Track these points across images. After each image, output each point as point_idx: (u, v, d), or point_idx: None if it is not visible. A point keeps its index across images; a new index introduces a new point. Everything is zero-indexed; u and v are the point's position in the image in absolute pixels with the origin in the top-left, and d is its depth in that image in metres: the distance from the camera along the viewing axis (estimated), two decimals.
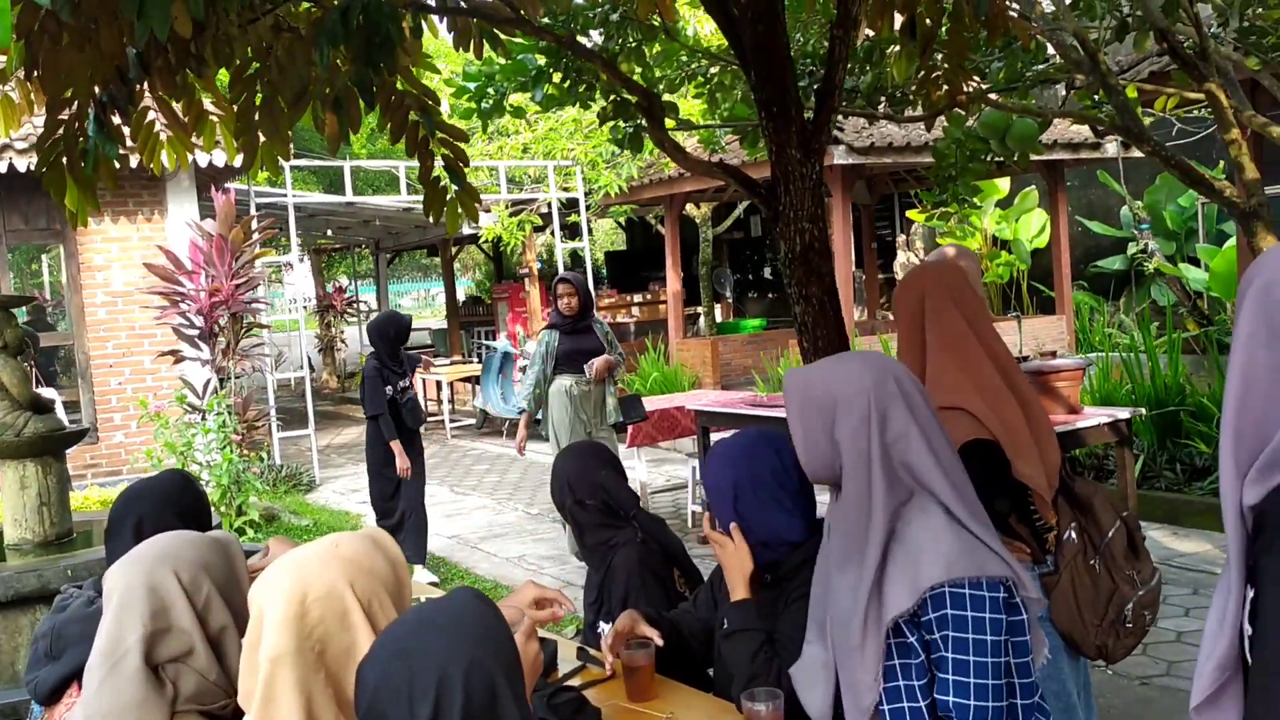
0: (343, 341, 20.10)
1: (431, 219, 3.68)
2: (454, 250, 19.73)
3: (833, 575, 1.90)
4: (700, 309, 15.55)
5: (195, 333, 8.39)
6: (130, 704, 1.78)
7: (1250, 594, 1.44)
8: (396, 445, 6.41)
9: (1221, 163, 11.04)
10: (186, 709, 1.82)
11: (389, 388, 6.46)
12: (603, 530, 2.86)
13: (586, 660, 2.52)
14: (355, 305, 20.38)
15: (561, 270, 12.29)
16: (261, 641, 1.60)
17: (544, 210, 13.03)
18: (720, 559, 2.27)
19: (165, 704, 1.80)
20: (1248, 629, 1.44)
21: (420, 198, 12.20)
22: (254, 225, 9.05)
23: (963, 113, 5.23)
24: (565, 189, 12.39)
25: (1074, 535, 2.46)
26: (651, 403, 8.41)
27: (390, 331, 6.57)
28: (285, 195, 10.73)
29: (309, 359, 13.19)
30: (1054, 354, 6.16)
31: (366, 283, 26.63)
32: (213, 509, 2.67)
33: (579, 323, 6.67)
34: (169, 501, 2.46)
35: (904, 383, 1.88)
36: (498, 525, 8.14)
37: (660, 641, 2.36)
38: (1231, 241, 10.62)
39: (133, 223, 9.37)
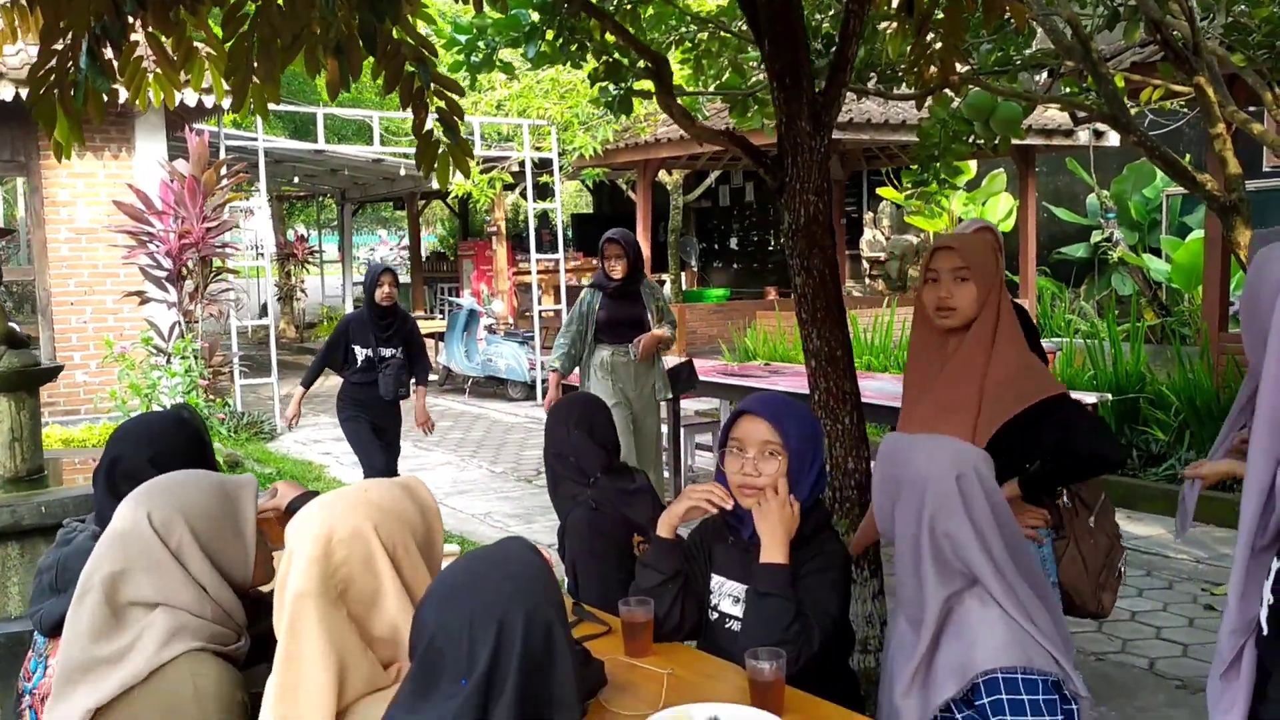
0: (302, 291, 19.89)
1: (423, 172, 3.66)
2: (420, 204, 19.55)
3: (894, 656, 1.99)
4: (667, 276, 15.57)
5: (163, 274, 8.27)
6: (85, 634, 1.80)
7: (1276, 565, 1.51)
8: (298, 393, 5.97)
9: (1188, 156, 11.23)
10: (195, 647, 1.83)
11: (363, 350, 5.80)
12: (570, 485, 2.93)
13: (583, 616, 2.55)
14: (316, 255, 20.15)
15: (532, 230, 12.24)
16: (288, 579, 1.62)
17: (514, 169, 12.93)
18: (766, 515, 2.27)
19: (125, 641, 1.80)
20: (1269, 598, 1.51)
21: (391, 149, 12.07)
22: (225, 168, 8.91)
23: (951, 93, 5.28)
24: (538, 148, 12.31)
25: (1068, 501, 2.61)
26: None
27: (368, 283, 5.89)
28: (255, 139, 10.55)
29: (269, 308, 13.05)
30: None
31: (328, 232, 26.33)
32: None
33: (626, 286, 5.99)
34: (146, 443, 2.42)
35: (971, 480, 1.90)
36: (462, 482, 8.15)
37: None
38: (1195, 234, 10.83)
39: (99, 159, 9.18)
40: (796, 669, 2.13)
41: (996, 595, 1.85)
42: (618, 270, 5.94)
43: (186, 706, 1.77)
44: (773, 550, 2.25)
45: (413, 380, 6.02)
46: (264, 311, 12.38)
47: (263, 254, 12.48)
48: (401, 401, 5.98)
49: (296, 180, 16.71)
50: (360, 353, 5.83)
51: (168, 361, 7.79)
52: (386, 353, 5.82)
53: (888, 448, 2.00)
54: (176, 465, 2.18)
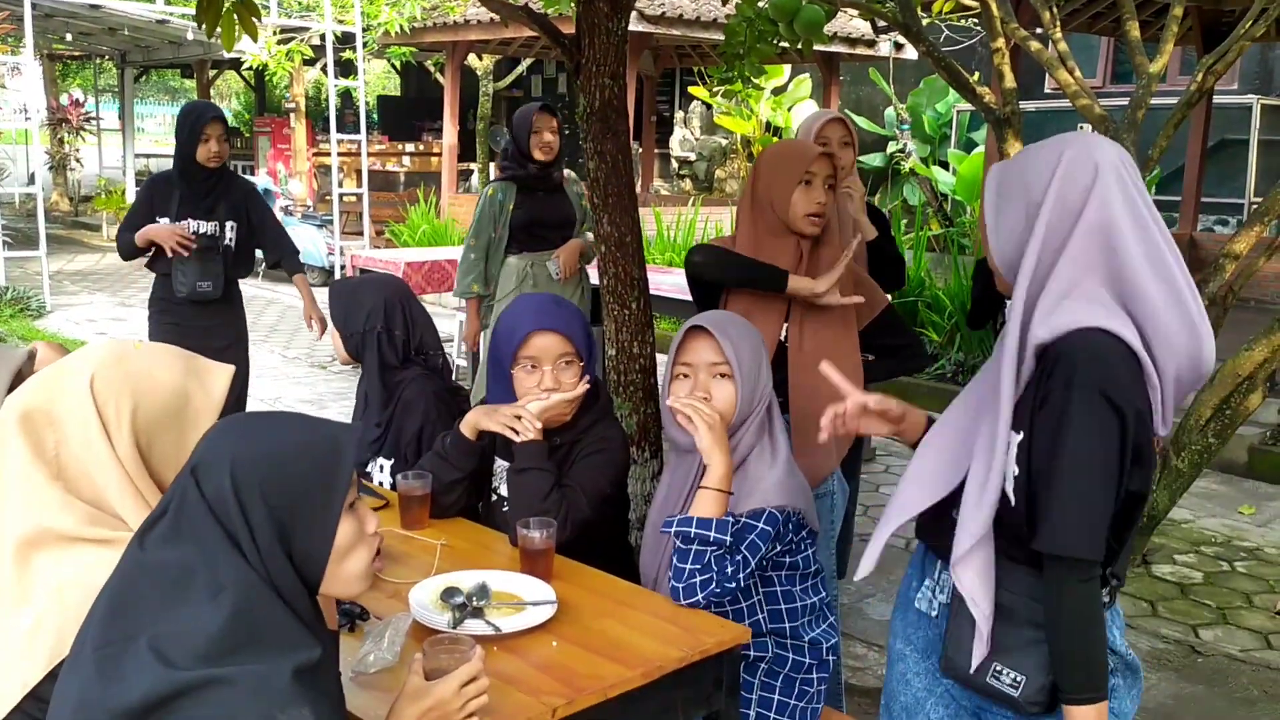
0: (78, 161, 18.46)
1: (205, 32, 3.43)
2: (211, 74, 18.35)
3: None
4: (474, 165, 15.25)
5: None
6: None
7: (1017, 437, 1.62)
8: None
9: (977, 74, 11.74)
10: None
11: (164, 219, 4.30)
12: (400, 369, 2.80)
13: (363, 491, 2.54)
14: (92, 122, 18.68)
15: (334, 108, 11.70)
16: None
17: (315, 42, 12.27)
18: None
19: None
20: (1014, 469, 1.63)
21: (178, 9, 11.21)
22: None
23: None
24: (340, 21, 11.70)
25: None
26: (421, 254, 8.28)
27: (184, 133, 4.32)
28: None
29: (38, 177, 12.06)
30: None
31: (107, 99, 24.40)
32: None
33: (549, 177, 4.66)
34: None
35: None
36: (254, 367, 7.86)
37: None
38: (979, 149, 11.41)
39: None
40: (566, 537, 2.20)
41: None
42: (551, 151, 4.60)
43: None
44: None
45: (281, 266, 4.69)
46: (32, 180, 11.42)
47: (30, 118, 11.45)
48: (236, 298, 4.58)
49: (70, 39, 15.34)
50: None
51: None
52: (206, 229, 4.35)
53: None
54: None
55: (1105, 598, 1.65)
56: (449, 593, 1.95)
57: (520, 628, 1.88)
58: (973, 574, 1.65)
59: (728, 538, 2.04)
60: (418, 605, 1.93)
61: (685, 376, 2.20)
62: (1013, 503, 1.62)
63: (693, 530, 2.04)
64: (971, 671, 1.67)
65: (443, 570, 2.13)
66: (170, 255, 4.28)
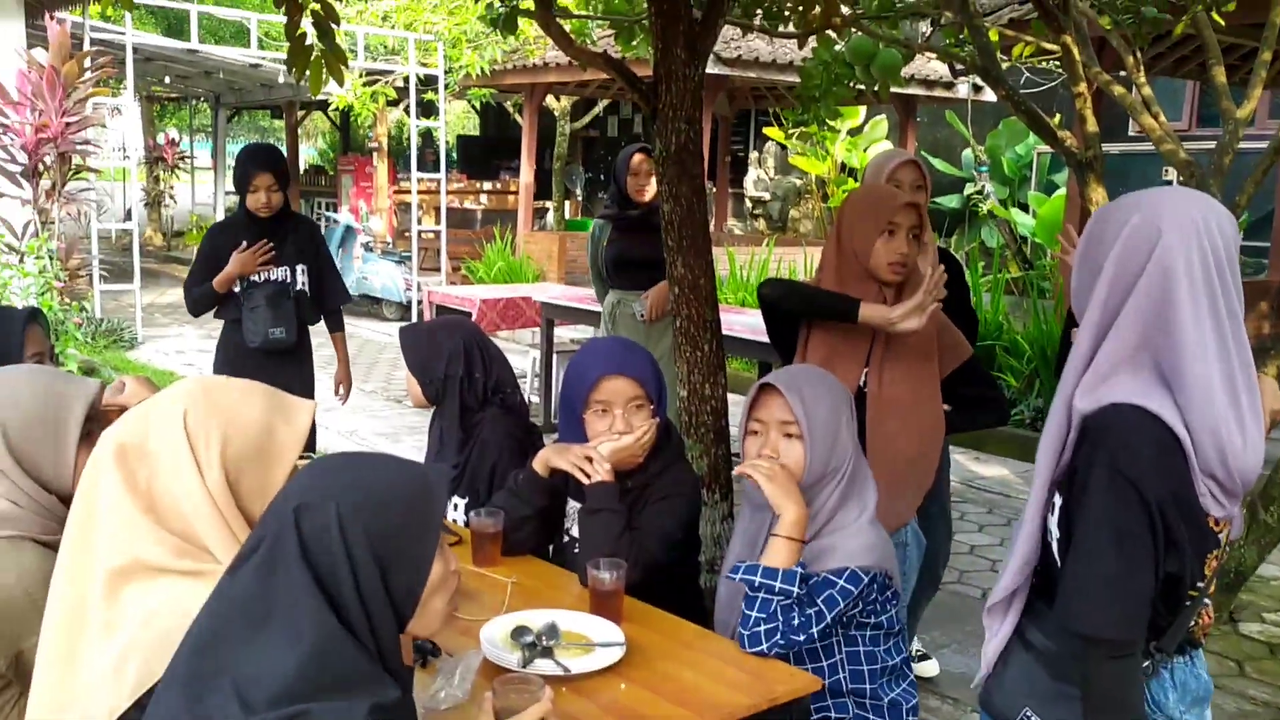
0: (171, 198, 19.09)
1: (294, 77, 3.55)
2: (300, 115, 18.90)
3: None
4: (550, 204, 15.46)
5: (18, 169, 7.84)
6: None
7: (1059, 500, 1.62)
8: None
9: (1059, 116, 11.61)
10: (13, 534, 1.79)
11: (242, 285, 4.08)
12: (478, 410, 2.82)
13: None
14: (187, 160, 19.33)
15: (415, 148, 11.97)
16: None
17: (399, 84, 12.59)
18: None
19: None
20: (1055, 532, 1.62)
21: (270, 54, 11.62)
22: (89, 61, 8.45)
23: (834, 35, 5.35)
24: (424, 64, 12.00)
25: None
26: (496, 291, 8.40)
27: (237, 177, 4.18)
28: (124, 33, 10.02)
29: (135, 213, 12.51)
30: None
31: (201, 138, 25.24)
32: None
33: (649, 216, 4.51)
34: None
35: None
36: (330, 399, 8.03)
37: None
38: (1060, 191, 11.25)
39: None
40: (635, 579, 2.21)
41: None
42: (647, 192, 4.64)
43: (11, 597, 1.74)
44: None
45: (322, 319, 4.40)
46: (129, 216, 11.86)
47: (129, 156, 11.91)
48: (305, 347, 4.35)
49: (168, 81, 15.96)
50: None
51: (20, 261, 7.43)
52: (275, 275, 4.14)
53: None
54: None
55: (1146, 666, 1.62)
56: (520, 631, 1.97)
57: (589, 669, 1.89)
58: (998, 620, 1.72)
59: (795, 588, 2.02)
60: (488, 643, 1.95)
61: (756, 434, 2.22)
62: (1059, 564, 1.62)
63: (758, 579, 2.03)
64: (995, 703, 1.72)
65: (513, 608, 2.15)
66: (256, 272, 4.09)
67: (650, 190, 4.63)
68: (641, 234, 4.69)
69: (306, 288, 4.24)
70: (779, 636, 1.99)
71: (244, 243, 4.06)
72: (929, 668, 3.68)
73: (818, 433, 2.13)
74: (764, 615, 2.00)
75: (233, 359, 4.23)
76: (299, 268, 4.21)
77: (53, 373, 1.99)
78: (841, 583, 2.04)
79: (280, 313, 4.13)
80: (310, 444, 1.92)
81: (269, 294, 4.11)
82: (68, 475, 1.88)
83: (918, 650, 3.62)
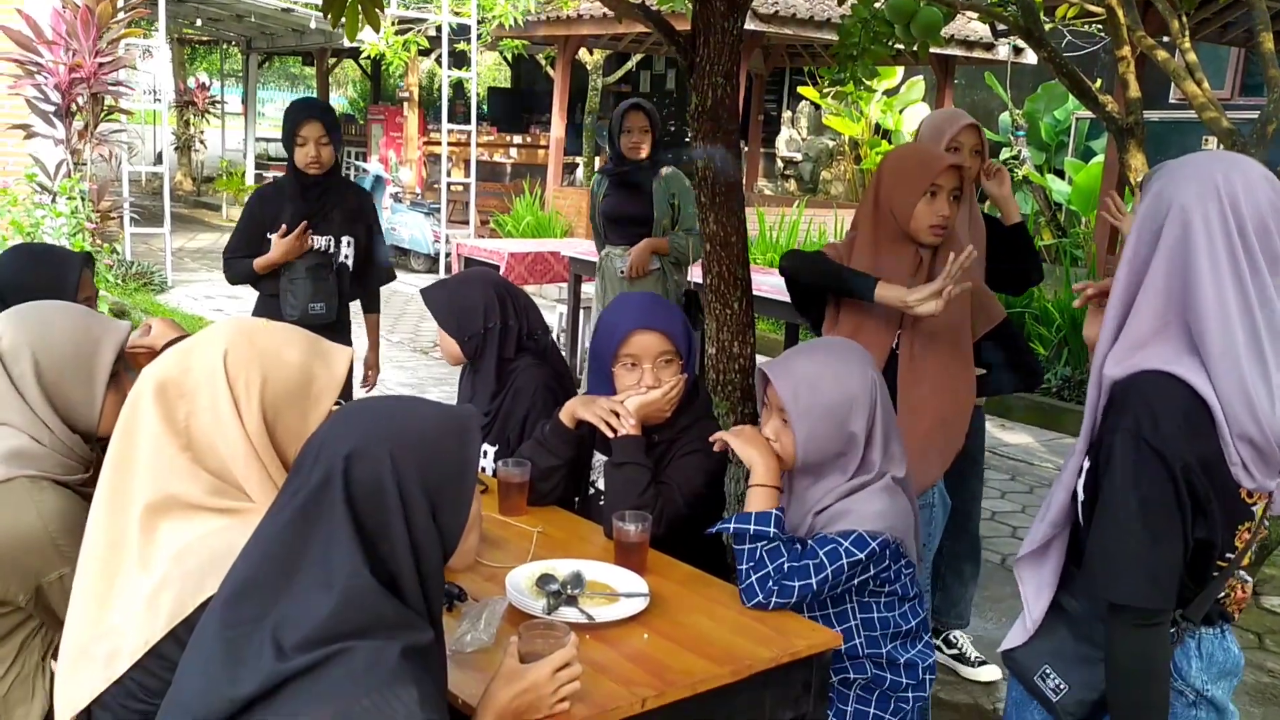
0: (202, 143, 19.14)
1: (330, 21, 3.53)
2: (331, 63, 18.85)
3: None
4: (580, 159, 15.38)
5: (51, 109, 7.87)
6: None
7: (1087, 464, 1.61)
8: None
9: (1100, 81, 11.42)
10: (33, 473, 1.81)
11: (272, 236, 3.80)
12: (513, 359, 2.78)
13: None
14: (217, 105, 19.34)
15: (446, 98, 11.92)
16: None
17: (431, 34, 12.52)
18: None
19: None
20: (1081, 494, 1.62)
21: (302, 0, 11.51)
22: (122, 1, 8.43)
23: None
24: (457, 13, 11.91)
25: None
26: (524, 245, 8.40)
27: (283, 128, 3.91)
28: None
29: (165, 157, 12.54)
30: None
31: (231, 84, 25.23)
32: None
33: (636, 172, 4.73)
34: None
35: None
36: (357, 350, 8.08)
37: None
38: (1098, 158, 11.08)
39: None
40: (660, 533, 2.22)
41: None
42: (642, 149, 4.69)
43: (33, 533, 1.76)
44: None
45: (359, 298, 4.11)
46: (159, 160, 11.90)
47: (160, 99, 11.92)
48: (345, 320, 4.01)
49: (199, 23, 15.92)
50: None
51: (53, 201, 7.47)
52: (319, 244, 3.87)
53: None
54: (27, 295, 2.05)
55: (1171, 633, 1.62)
56: (545, 579, 1.99)
57: (613, 618, 1.91)
58: (1030, 574, 1.72)
59: (770, 528, 2.02)
60: (514, 590, 1.97)
61: (762, 413, 2.26)
62: (1084, 526, 1.62)
63: (734, 526, 2.05)
64: (1016, 658, 1.74)
65: (539, 557, 2.17)
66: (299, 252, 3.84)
67: (645, 148, 4.69)
68: (632, 190, 4.76)
69: (350, 261, 3.96)
70: (772, 584, 1.97)
71: (284, 225, 3.80)
72: (988, 672, 3.45)
73: (806, 422, 2.08)
74: (752, 564, 2.00)
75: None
76: (344, 239, 3.93)
77: (87, 312, 2.00)
78: (846, 544, 2.01)
79: (322, 287, 3.85)
80: (346, 392, 1.93)
81: (310, 265, 3.83)
82: (94, 415, 1.90)
83: (977, 657, 3.47)
